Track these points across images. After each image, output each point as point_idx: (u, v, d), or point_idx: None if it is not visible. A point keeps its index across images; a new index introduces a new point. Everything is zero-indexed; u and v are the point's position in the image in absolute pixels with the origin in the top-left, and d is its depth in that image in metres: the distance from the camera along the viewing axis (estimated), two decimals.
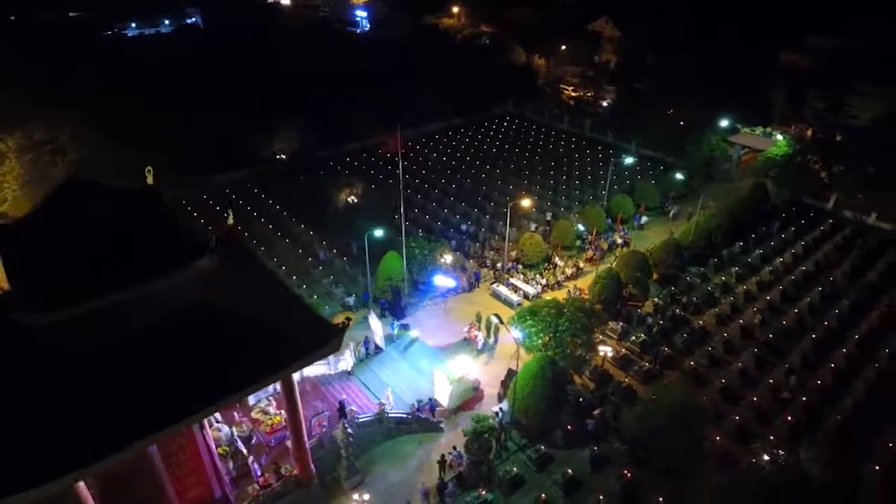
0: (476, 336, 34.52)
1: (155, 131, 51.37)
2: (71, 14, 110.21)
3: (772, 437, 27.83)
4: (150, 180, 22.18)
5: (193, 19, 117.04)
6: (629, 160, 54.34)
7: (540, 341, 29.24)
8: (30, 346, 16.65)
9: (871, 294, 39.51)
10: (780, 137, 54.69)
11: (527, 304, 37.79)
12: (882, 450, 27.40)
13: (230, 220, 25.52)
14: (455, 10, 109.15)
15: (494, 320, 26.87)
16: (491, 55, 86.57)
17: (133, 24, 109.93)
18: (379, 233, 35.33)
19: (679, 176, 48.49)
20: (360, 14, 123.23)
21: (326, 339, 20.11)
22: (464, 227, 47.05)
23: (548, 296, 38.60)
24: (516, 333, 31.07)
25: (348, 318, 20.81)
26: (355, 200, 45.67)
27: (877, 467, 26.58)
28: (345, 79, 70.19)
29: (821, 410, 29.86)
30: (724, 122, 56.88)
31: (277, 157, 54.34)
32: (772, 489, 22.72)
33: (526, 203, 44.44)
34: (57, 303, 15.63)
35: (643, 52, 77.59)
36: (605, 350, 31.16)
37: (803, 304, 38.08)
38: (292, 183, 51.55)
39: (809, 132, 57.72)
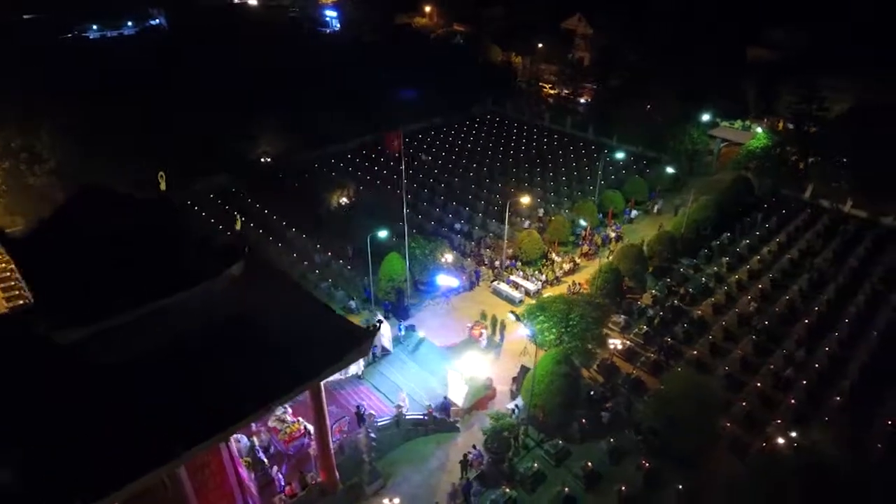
0: (480, 335, 34.53)
1: (131, 136, 49.86)
2: (25, 16, 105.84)
3: (779, 421, 28.69)
4: (163, 186, 21.48)
5: (157, 21, 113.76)
6: (620, 154, 55.13)
7: (553, 336, 29.42)
8: (57, 363, 15.98)
9: (855, 278, 41.15)
10: (759, 130, 56.42)
11: (528, 300, 38.13)
12: (881, 426, 28.57)
13: (237, 226, 24.97)
14: (427, 9, 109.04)
15: (511, 318, 26.92)
16: (468, 54, 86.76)
17: (94, 27, 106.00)
18: (384, 234, 34.96)
19: (670, 170, 49.54)
20: (330, 14, 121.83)
21: (357, 343, 19.83)
22: (458, 225, 47.03)
23: (547, 292, 39.06)
24: (527, 330, 31.33)
25: (380, 321, 20.59)
26: (347, 202, 45.11)
27: (878, 445, 27.77)
28: (320, 79, 69.33)
29: (821, 392, 30.93)
30: (706, 117, 58.26)
31: (262, 160, 53.25)
32: (790, 473, 23.46)
33: (525, 200, 44.74)
34: (86, 317, 14.95)
35: (617, 49, 78.64)
36: (615, 343, 31.59)
37: (793, 291, 39.38)
38: (280, 186, 50.60)
39: (780, 125, 59.68)
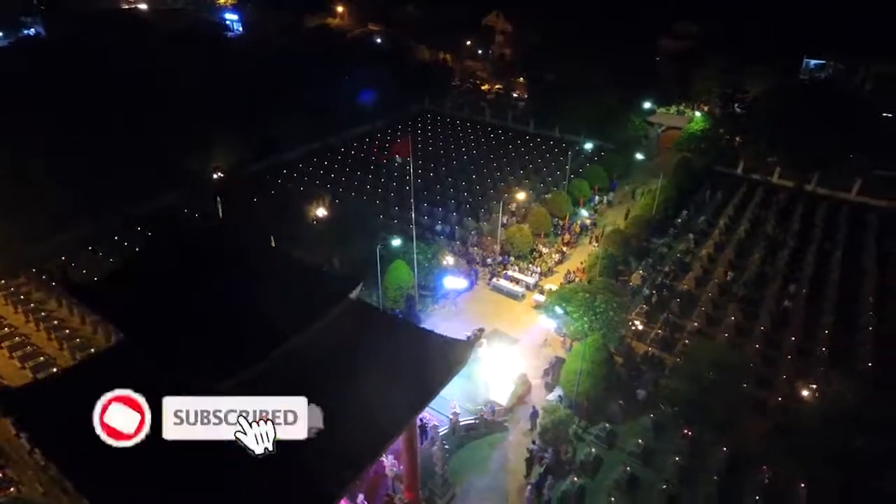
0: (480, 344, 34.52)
1: (55, 160, 44.12)
2: None
3: (785, 377, 31.69)
4: (220, 213, 19.74)
5: (32, 30, 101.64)
6: (588, 145, 57.37)
7: (585, 326, 30.39)
8: None
9: (801, 240, 46.13)
10: (698, 114, 61.30)
11: (529, 294, 39.09)
12: (865, 370, 32.37)
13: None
14: (339, 9, 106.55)
15: (560, 311, 27.41)
16: (394, 53, 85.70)
17: None
18: (397, 242, 34.16)
19: (640, 156, 52.48)
20: (231, 17, 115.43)
21: (462, 355, 19.47)
22: (438, 227, 46.84)
23: (544, 283, 40.21)
24: (550, 323, 32.17)
25: (481, 329, 20.29)
26: (325, 213, 43.32)
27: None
28: (246, 86, 65.04)
29: (807, 346, 34.49)
30: (647, 104, 62.15)
31: (216, 174, 49.64)
32: (823, 422, 26.06)
33: (521, 196, 45.46)
34: (237, 366, 13.55)
35: (538, 44, 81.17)
36: (637, 324, 33.23)
37: (755, 259, 43.36)
38: (241, 200, 47.32)
39: (707, 108, 65.21)
